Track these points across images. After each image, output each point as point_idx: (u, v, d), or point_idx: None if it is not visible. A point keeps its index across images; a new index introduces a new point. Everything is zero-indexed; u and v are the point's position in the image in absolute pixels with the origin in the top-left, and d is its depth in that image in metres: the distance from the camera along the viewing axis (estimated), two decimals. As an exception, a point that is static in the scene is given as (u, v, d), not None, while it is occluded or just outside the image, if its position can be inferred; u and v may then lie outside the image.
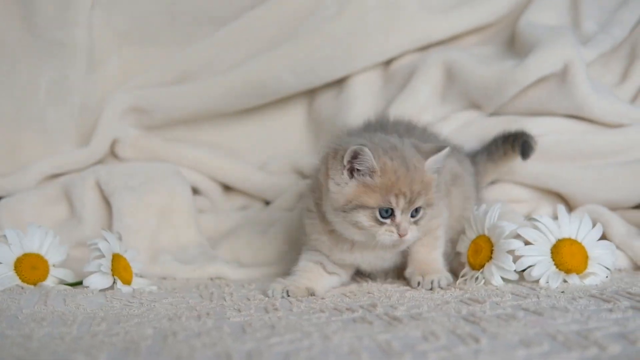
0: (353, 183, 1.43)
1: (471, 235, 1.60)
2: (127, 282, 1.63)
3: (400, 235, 1.44)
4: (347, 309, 1.31)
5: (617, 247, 1.73)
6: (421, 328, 1.11)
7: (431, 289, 1.49)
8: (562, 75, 1.93)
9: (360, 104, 2.16)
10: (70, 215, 2.03)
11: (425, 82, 2.09)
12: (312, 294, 1.52)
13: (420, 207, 1.46)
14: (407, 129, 1.73)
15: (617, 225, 1.80)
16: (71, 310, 1.37)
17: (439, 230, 1.58)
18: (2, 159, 2.14)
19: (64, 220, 2.02)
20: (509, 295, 1.36)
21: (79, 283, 1.63)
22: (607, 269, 1.53)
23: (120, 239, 1.69)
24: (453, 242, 1.66)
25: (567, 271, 1.50)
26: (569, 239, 1.53)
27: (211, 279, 1.86)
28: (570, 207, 1.92)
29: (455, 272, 1.61)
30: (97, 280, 1.58)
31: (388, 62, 2.21)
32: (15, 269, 1.62)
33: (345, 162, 1.43)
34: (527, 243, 1.52)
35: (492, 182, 1.98)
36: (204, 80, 2.18)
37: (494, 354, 0.97)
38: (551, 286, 1.45)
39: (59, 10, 2.14)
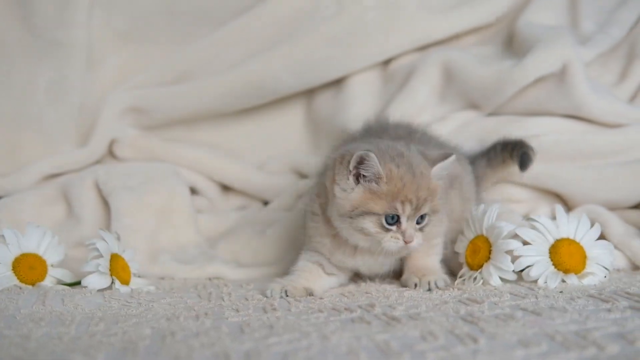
0: (359, 189, 1.43)
1: (469, 235, 1.60)
2: (126, 282, 1.63)
3: (406, 242, 1.44)
4: (345, 309, 1.30)
5: (616, 247, 1.73)
6: (419, 328, 1.11)
7: (429, 290, 1.49)
8: (561, 75, 1.93)
9: (359, 103, 2.16)
10: (68, 215, 2.03)
11: (424, 82, 2.09)
12: (311, 294, 1.52)
13: (425, 214, 1.46)
14: (407, 132, 1.73)
15: (616, 225, 1.80)
16: (69, 310, 1.37)
17: (436, 238, 1.58)
18: (1, 159, 2.14)
19: (63, 220, 2.02)
20: (507, 295, 1.36)
21: (77, 283, 1.63)
22: (606, 268, 1.53)
23: (118, 239, 1.69)
24: (453, 242, 1.66)
25: (566, 271, 1.50)
26: (567, 239, 1.53)
27: (210, 279, 1.86)
28: (569, 207, 1.92)
29: (453, 272, 1.61)
30: (96, 280, 1.58)
31: (387, 62, 2.21)
32: (13, 269, 1.62)
33: (351, 168, 1.43)
34: (525, 243, 1.52)
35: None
36: (203, 80, 2.18)
37: (493, 354, 0.97)
38: (549, 286, 1.45)
39: (57, 10, 2.15)
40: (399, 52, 2.17)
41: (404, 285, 1.56)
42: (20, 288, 1.59)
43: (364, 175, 1.42)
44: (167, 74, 2.21)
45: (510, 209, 1.88)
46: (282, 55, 2.15)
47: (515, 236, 1.51)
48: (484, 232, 1.56)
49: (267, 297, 1.51)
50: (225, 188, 2.25)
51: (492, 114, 2.06)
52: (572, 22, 2.17)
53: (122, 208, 1.95)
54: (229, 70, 2.17)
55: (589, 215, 1.61)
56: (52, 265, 1.68)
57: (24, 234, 1.66)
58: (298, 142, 2.29)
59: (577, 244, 1.53)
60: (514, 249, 1.50)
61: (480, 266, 1.54)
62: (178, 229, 1.98)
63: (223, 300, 1.50)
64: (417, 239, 1.45)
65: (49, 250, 1.68)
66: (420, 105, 2.08)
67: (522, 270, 1.50)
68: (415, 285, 1.52)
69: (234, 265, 1.92)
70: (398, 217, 1.43)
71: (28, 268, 1.63)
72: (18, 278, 1.62)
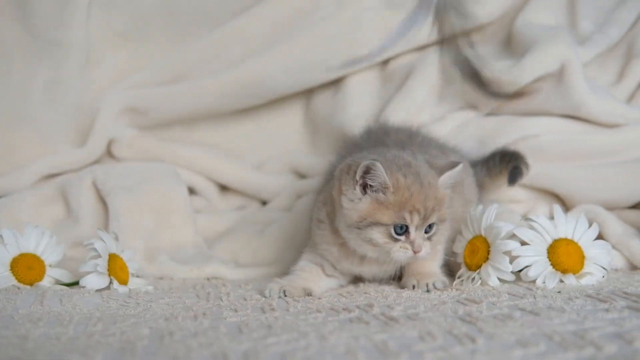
0: (366, 199, 1.43)
1: (468, 235, 1.60)
2: (124, 282, 1.63)
3: (415, 252, 1.43)
4: (343, 309, 1.30)
5: (614, 247, 1.73)
6: (418, 328, 1.11)
7: (427, 291, 1.49)
8: (559, 76, 1.94)
9: (358, 104, 2.16)
10: (67, 215, 2.02)
11: (422, 82, 2.09)
12: (309, 294, 1.52)
13: (433, 223, 1.46)
14: (408, 135, 1.73)
15: (614, 225, 1.81)
16: (67, 311, 1.37)
17: (439, 244, 1.57)
18: (-1, 159, 2.14)
19: (61, 220, 2.01)
20: (505, 296, 1.36)
21: (76, 283, 1.63)
22: (604, 268, 1.53)
23: (116, 239, 1.69)
24: (452, 242, 1.66)
25: (564, 271, 1.50)
26: (565, 239, 1.53)
27: (208, 279, 1.86)
28: (567, 207, 1.92)
29: (452, 272, 1.61)
30: (94, 281, 1.58)
31: (385, 62, 2.21)
32: (11, 269, 1.62)
33: (357, 178, 1.42)
34: (523, 243, 1.52)
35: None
36: (202, 80, 2.18)
37: (491, 354, 0.97)
38: (548, 286, 1.45)
39: (56, 10, 2.14)
40: (396, 52, 2.17)
41: (403, 287, 1.56)
42: (19, 288, 1.59)
43: (370, 185, 1.41)
44: (166, 74, 2.21)
45: (508, 209, 1.88)
46: (280, 55, 2.15)
47: (514, 236, 1.51)
48: (483, 233, 1.56)
49: (265, 297, 1.50)
50: (224, 188, 2.25)
51: (490, 114, 2.06)
52: (570, 22, 2.17)
53: (120, 208, 1.95)
54: (228, 70, 2.17)
55: (587, 215, 1.62)
56: (50, 265, 1.68)
57: (22, 234, 1.66)
58: (297, 142, 2.29)
59: (575, 244, 1.53)
60: (512, 249, 1.50)
61: (479, 266, 1.54)
62: (176, 229, 1.98)
63: (221, 300, 1.50)
64: (425, 248, 1.45)
65: (47, 250, 1.68)
66: (419, 105, 2.08)
67: (520, 271, 1.50)
68: (414, 287, 1.51)
69: (232, 265, 1.92)
70: (406, 227, 1.42)
71: (26, 268, 1.63)
72: (16, 278, 1.62)
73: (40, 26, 2.14)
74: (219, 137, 2.27)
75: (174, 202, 2.00)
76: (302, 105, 2.29)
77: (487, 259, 1.53)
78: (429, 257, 1.49)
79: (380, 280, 1.60)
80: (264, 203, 2.22)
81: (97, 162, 2.16)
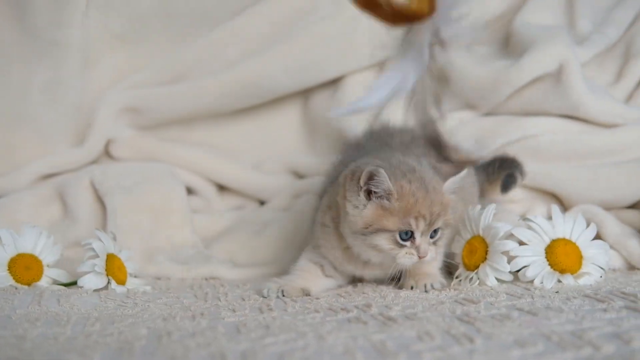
0: (371, 206, 1.42)
1: (466, 235, 1.59)
2: (122, 282, 1.63)
3: (420, 257, 1.43)
4: (341, 309, 1.30)
5: (611, 247, 1.73)
6: (416, 328, 1.11)
7: (425, 292, 1.49)
8: (557, 76, 1.94)
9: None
10: (64, 216, 2.02)
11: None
12: (307, 294, 1.52)
13: (439, 228, 1.46)
14: (412, 139, 1.72)
15: (612, 225, 1.81)
16: (65, 311, 1.37)
17: (441, 247, 1.57)
18: (-3, 159, 2.14)
19: (59, 220, 2.01)
20: (503, 296, 1.36)
21: (73, 283, 1.63)
22: (601, 268, 1.53)
23: (114, 239, 1.69)
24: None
25: (562, 271, 1.50)
26: (563, 239, 1.53)
27: (206, 279, 1.86)
28: (565, 207, 1.92)
29: (450, 272, 1.61)
30: (91, 281, 1.58)
31: (383, 62, 2.21)
32: (9, 269, 1.61)
33: (361, 184, 1.41)
34: (521, 243, 1.52)
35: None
36: (200, 80, 2.18)
37: (489, 354, 0.97)
38: (545, 286, 1.45)
39: (54, 11, 2.14)
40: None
41: (401, 288, 1.56)
42: (16, 288, 1.59)
43: (375, 192, 1.41)
44: (164, 74, 2.21)
45: (506, 209, 1.88)
46: (279, 55, 2.15)
47: (512, 236, 1.51)
48: (481, 233, 1.56)
49: (264, 296, 1.50)
50: (222, 188, 2.24)
51: (488, 113, 2.06)
52: (568, 22, 2.17)
53: (118, 208, 1.95)
54: (226, 70, 2.17)
55: (585, 215, 1.62)
56: (48, 266, 1.68)
57: (20, 234, 1.66)
58: (295, 142, 2.28)
59: (573, 244, 1.53)
60: (510, 249, 1.50)
61: (477, 267, 1.54)
62: (174, 229, 1.98)
63: (219, 300, 1.50)
64: (430, 253, 1.45)
65: (45, 250, 1.68)
66: (417, 105, 2.08)
67: (518, 271, 1.50)
68: (412, 287, 1.51)
69: (230, 265, 1.92)
70: (412, 232, 1.42)
71: (24, 268, 1.63)
72: (14, 278, 1.61)
73: (40, 26, 2.14)
74: (217, 137, 2.27)
75: (172, 202, 2.00)
76: (301, 105, 2.29)
77: (485, 259, 1.53)
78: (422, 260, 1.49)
79: (379, 281, 1.60)
80: (262, 203, 2.21)
81: (95, 162, 2.17)
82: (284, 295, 1.50)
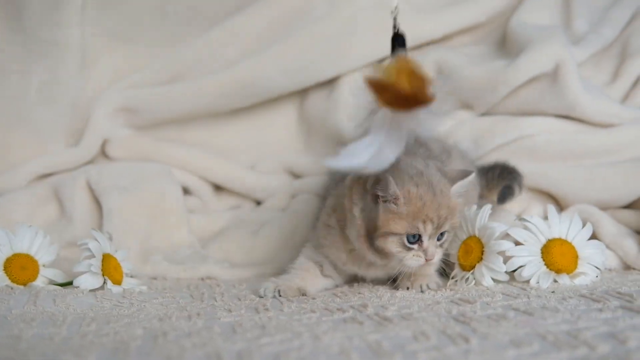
0: (379, 210, 1.41)
1: (462, 236, 1.59)
2: (118, 282, 1.63)
3: (427, 260, 1.43)
4: (337, 309, 1.30)
5: (607, 247, 1.74)
6: (411, 328, 1.11)
7: (421, 292, 1.49)
8: (554, 75, 1.94)
9: (353, 104, 2.15)
10: (60, 215, 2.02)
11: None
12: (304, 294, 1.52)
13: (445, 231, 1.45)
14: (415, 140, 1.72)
15: (607, 224, 1.81)
16: (61, 311, 1.37)
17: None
18: (-7, 159, 2.14)
19: (55, 220, 2.01)
20: (499, 296, 1.36)
21: (69, 283, 1.63)
22: (597, 268, 1.53)
23: (110, 239, 1.68)
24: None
25: (558, 271, 1.50)
26: (559, 239, 1.53)
27: (202, 279, 1.86)
28: (561, 207, 1.92)
29: (446, 272, 1.61)
30: (87, 281, 1.57)
31: (380, 62, 2.21)
32: (4, 269, 1.61)
33: (368, 188, 1.41)
34: (517, 243, 1.52)
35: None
36: (195, 80, 2.17)
37: (484, 354, 0.97)
38: (541, 286, 1.46)
39: (50, 10, 2.14)
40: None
41: (397, 288, 1.55)
42: (12, 288, 1.58)
43: (381, 196, 1.40)
44: (160, 74, 2.20)
45: (502, 209, 1.88)
46: (275, 55, 2.14)
47: (507, 236, 1.52)
48: (477, 233, 1.56)
49: (260, 296, 1.50)
50: (218, 188, 2.24)
51: (485, 113, 2.06)
52: (565, 22, 2.18)
53: (114, 208, 1.95)
54: (222, 70, 2.16)
55: (581, 215, 1.62)
56: (43, 266, 1.68)
57: (16, 234, 1.65)
58: (291, 142, 2.28)
59: (569, 244, 1.53)
60: (506, 249, 1.50)
61: (473, 267, 1.54)
62: (170, 229, 1.98)
63: (215, 300, 1.50)
64: (437, 255, 1.45)
65: (41, 250, 1.67)
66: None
67: (514, 271, 1.50)
68: (408, 288, 1.51)
69: (226, 265, 1.92)
70: (419, 235, 1.42)
71: (20, 268, 1.63)
72: (10, 278, 1.61)
73: (34, 26, 2.14)
74: (213, 137, 2.26)
75: (168, 202, 2.00)
76: (297, 105, 2.28)
77: (481, 259, 1.53)
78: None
79: (375, 281, 1.60)
80: (259, 203, 2.21)
81: (91, 162, 2.16)
82: (280, 295, 1.49)
